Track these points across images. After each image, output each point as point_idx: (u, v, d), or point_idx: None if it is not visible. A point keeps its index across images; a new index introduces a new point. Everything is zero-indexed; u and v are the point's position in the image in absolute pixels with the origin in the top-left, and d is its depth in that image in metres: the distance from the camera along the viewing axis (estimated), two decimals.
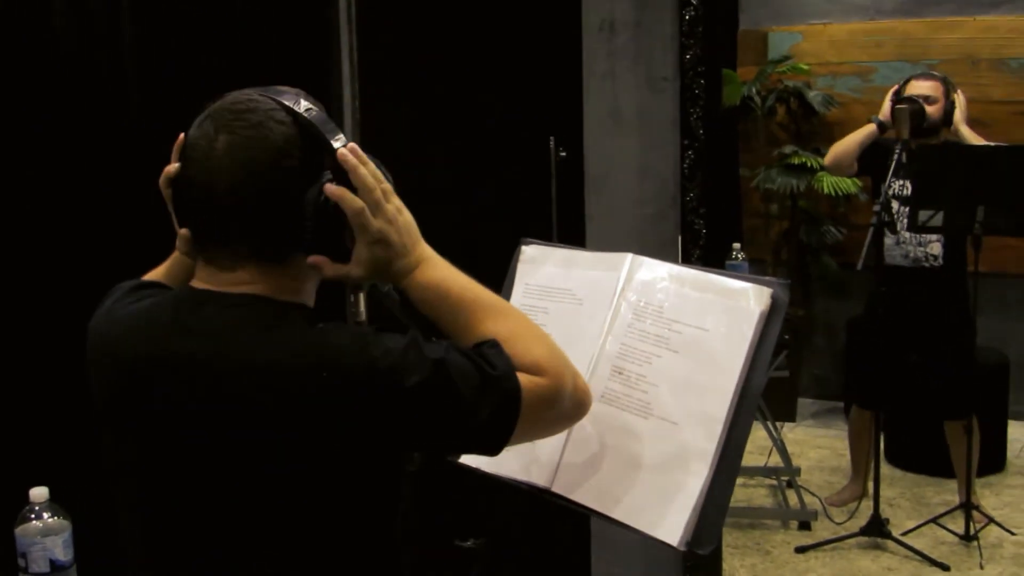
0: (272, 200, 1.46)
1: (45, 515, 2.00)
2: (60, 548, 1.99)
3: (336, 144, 1.50)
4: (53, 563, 1.99)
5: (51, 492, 2.02)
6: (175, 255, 1.75)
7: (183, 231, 1.55)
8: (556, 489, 1.80)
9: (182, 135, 1.54)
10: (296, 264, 1.52)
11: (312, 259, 1.51)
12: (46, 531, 1.99)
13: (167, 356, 1.47)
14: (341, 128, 1.53)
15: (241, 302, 1.48)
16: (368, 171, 1.52)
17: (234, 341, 1.44)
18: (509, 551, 2.57)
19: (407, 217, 1.58)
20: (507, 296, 1.99)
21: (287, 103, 1.49)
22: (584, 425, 1.80)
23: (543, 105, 3.22)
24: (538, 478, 1.82)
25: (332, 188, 1.48)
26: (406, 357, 1.42)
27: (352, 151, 1.51)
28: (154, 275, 1.76)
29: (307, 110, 1.50)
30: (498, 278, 1.94)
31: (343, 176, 1.50)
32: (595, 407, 1.80)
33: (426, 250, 1.61)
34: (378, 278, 1.60)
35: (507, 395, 1.48)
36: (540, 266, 1.99)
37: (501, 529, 2.26)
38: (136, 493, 1.55)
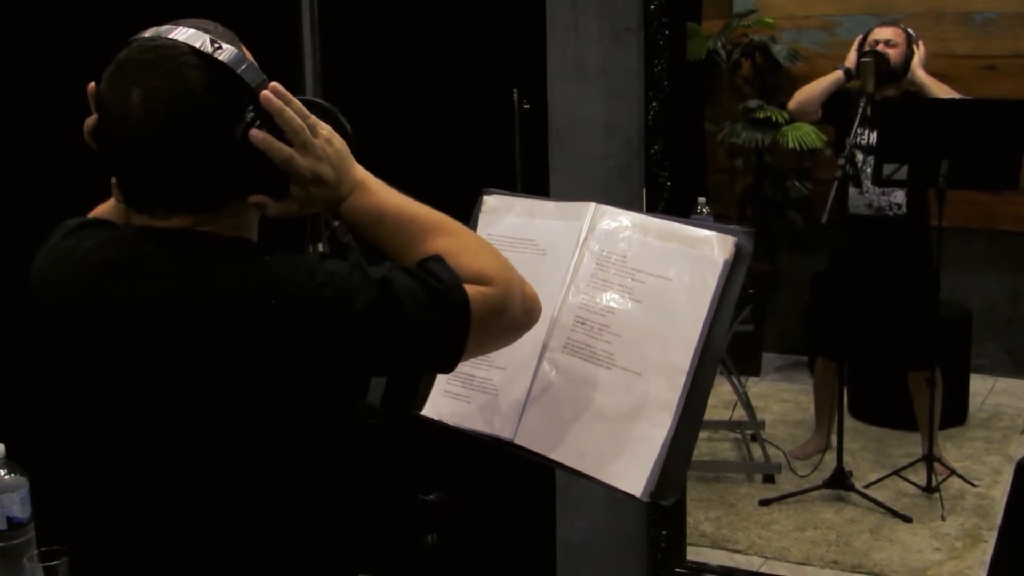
0: (197, 150, 1.42)
1: (1, 472, 1.98)
2: (17, 505, 1.97)
3: (255, 84, 1.45)
4: (11, 520, 1.96)
5: (7, 448, 2.00)
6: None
7: (115, 180, 1.52)
8: (519, 441, 1.80)
9: (92, 84, 1.49)
10: (235, 204, 1.48)
11: (253, 199, 1.48)
12: (3, 488, 1.96)
13: (108, 299, 1.44)
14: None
15: (183, 238, 1.45)
16: (293, 110, 1.48)
17: (177, 278, 1.42)
18: (473, 505, 2.56)
19: (338, 146, 1.55)
20: None
21: (196, 45, 1.42)
22: (547, 376, 1.79)
23: (507, 57, 3.18)
24: (501, 430, 1.81)
25: (257, 135, 1.44)
26: (351, 280, 1.41)
27: (275, 91, 1.46)
28: (101, 211, 1.70)
29: (217, 50, 1.43)
30: None
31: (267, 114, 1.45)
32: (558, 358, 1.79)
33: (359, 173, 1.58)
34: (318, 210, 1.57)
35: (456, 307, 1.47)
36: (502, 216, 1.97)
37: (465, 483, 2.25)
38: (82, 438, 1.53)
